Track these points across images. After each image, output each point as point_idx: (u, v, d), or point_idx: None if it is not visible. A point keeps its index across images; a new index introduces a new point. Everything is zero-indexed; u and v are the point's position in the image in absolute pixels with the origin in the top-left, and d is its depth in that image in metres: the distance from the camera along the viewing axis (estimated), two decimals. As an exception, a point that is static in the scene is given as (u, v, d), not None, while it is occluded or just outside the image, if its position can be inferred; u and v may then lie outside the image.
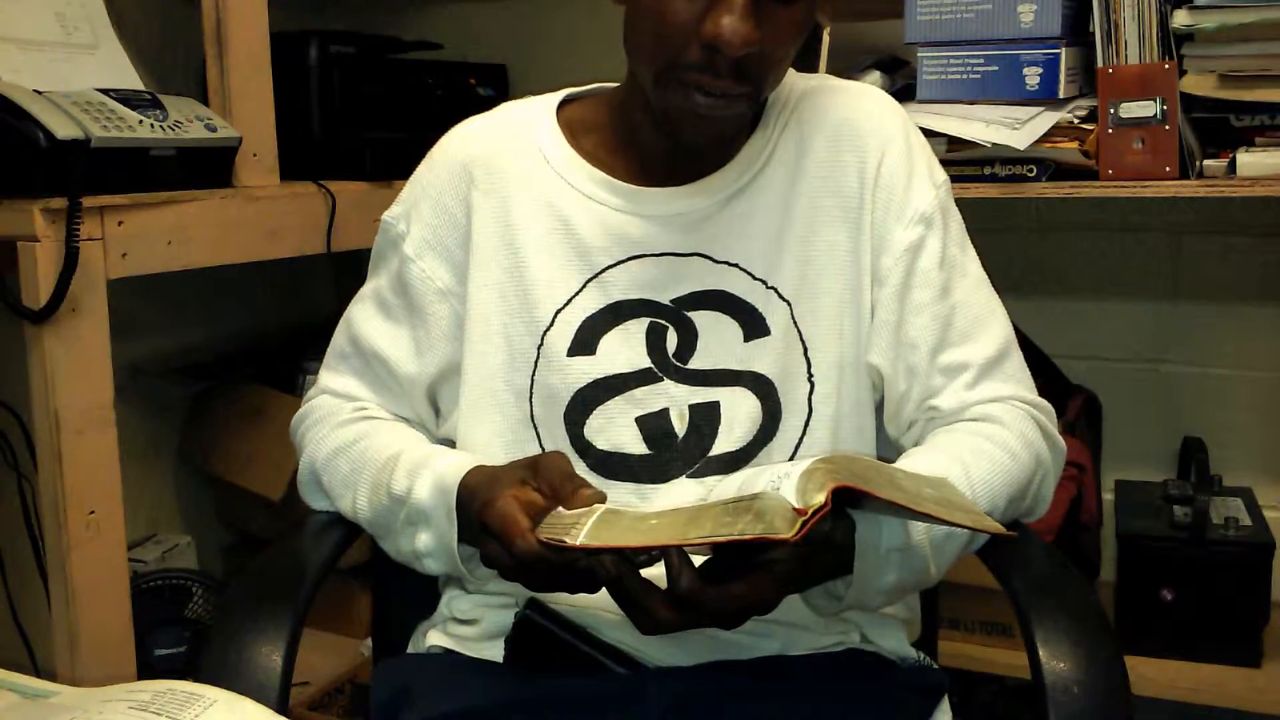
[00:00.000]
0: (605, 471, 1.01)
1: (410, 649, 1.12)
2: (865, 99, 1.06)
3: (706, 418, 1.01)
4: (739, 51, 0.90)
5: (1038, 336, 1.80)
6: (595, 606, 0.97)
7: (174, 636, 1.81)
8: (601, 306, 1.02)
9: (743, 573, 0.84)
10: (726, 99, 0.94)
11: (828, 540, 0.85)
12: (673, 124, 0.98)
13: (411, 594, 1.13)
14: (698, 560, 0.86)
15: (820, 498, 0.78)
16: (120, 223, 1.38)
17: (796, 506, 0.79)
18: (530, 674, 0.98)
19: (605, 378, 1.01)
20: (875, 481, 0.81)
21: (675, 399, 1.01)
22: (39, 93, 1.35)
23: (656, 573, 0.85)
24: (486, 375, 1.04)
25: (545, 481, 0.90)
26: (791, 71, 1.03)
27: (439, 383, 1.09)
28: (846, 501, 0.83)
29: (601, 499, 0.87)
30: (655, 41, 0.93)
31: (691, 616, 0.83)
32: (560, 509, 0.88)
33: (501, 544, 0.88)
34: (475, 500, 0.93)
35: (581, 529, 0.82)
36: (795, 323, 1.02)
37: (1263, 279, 1.87)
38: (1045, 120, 1.56)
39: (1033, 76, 1.57)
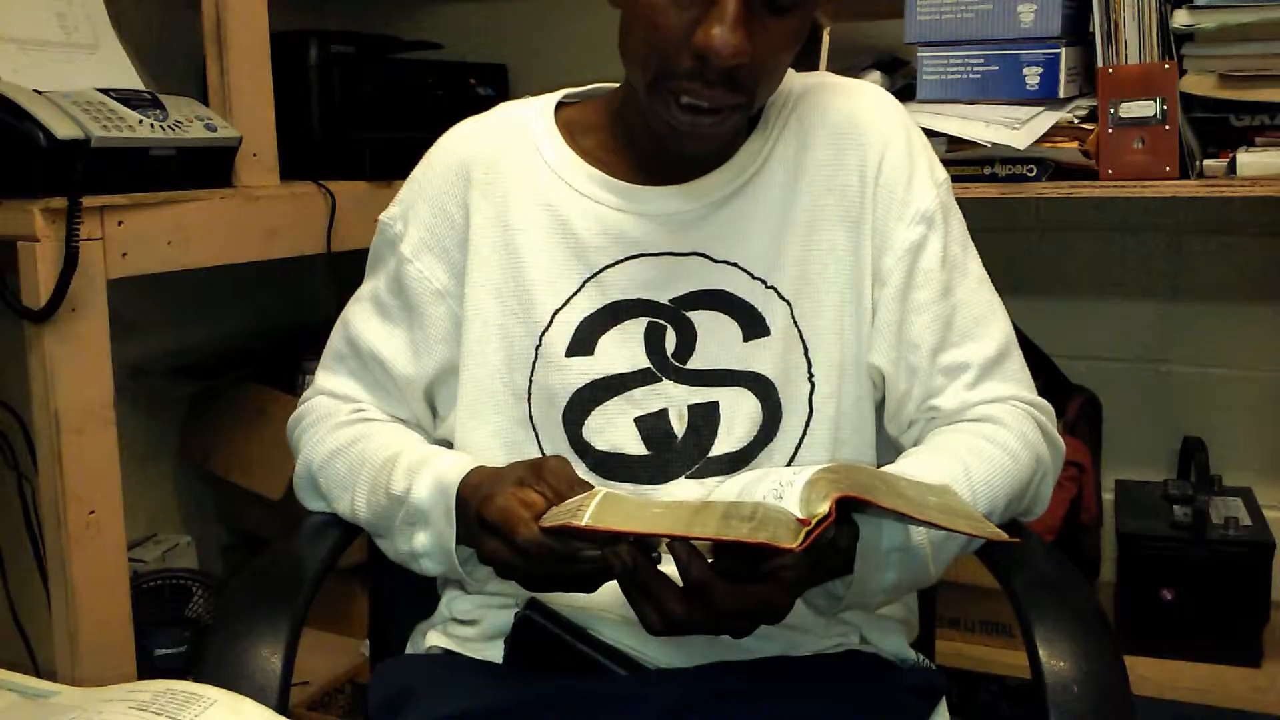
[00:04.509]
0: (604, 472, 1.01)
1: (409, 649, 1.12)
2: (865, 97, 1.06)
3: (706, 418, 1.00)
4: (729, 62, 0.89)
5: (1038, 336, 1.80)
6: (595, 607, 0.97)
7: (174, 636, 1.81)
8: (600, 306, 1.02)
9: (749, 579, 0.84)
10: (715, 115, 0.94)
11: (832, 546, 0.84)
12: (663, 137, 0.98)
13: (409, 594, 1.13)
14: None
15: (824, 507, 0.78)
16: (120, 223, 1.38)
17: (800, 517, 0.79)
18: (530, 675, 0.98)
19: (604, 378, 1.01)
20: (879, 490, 0.81)
21: (674, 399, 1.01)
22: (39, 93, 1.35)
23: (666, 570, 0.84)
24: (484, 376, 1.04)
25: (548, 485, 0.90)
26: (790, 70, 1.02)
27: (436, 384, 1.09)
28: (849, 508, 0.83)
29: None
30: (647, 49, 0.93)
31: (701, 613, 0.83)
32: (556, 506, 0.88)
33: (503, 537, 0.88)
34: (476, 497, 0.93)
35: (586, 511, 0.82)
36: (795, 322, 1.01)
37: (1263, 279, 1.87)
38: (1045, 120, 1.56)
39: (1033, 76, 1.57)
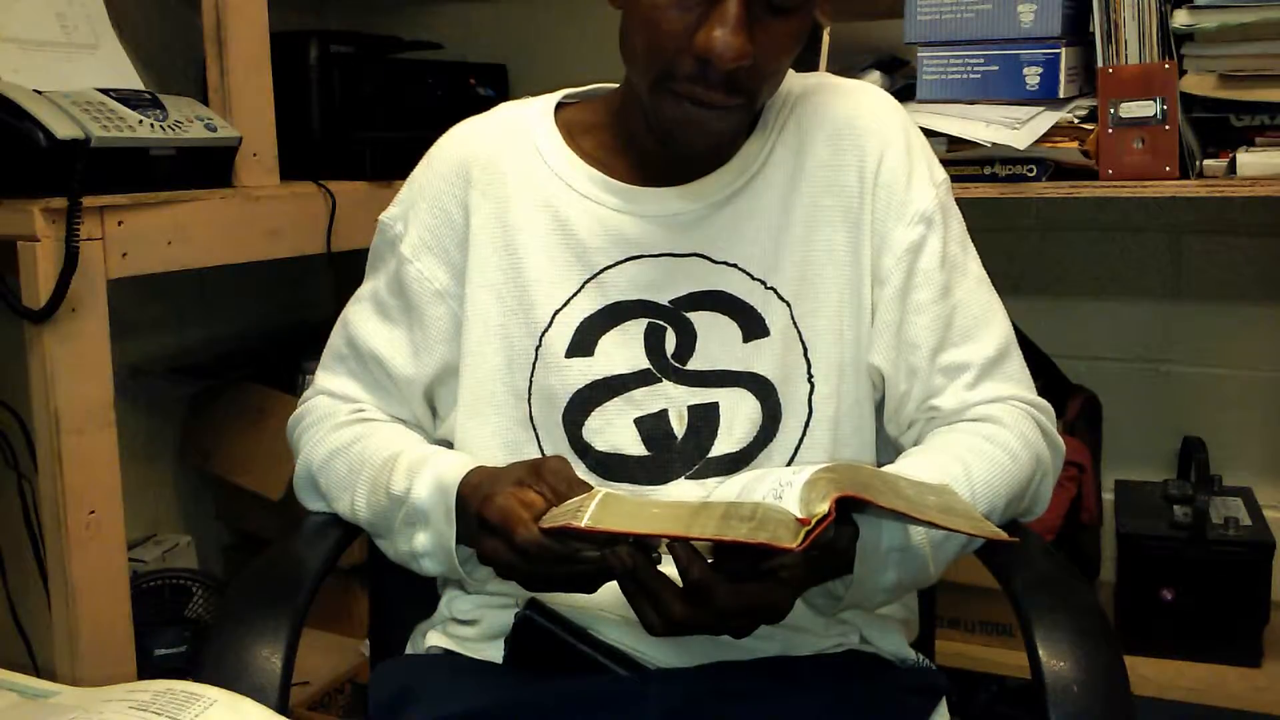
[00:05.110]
0: (604, 473, 1.01)
1: (409, 649, 1.12)
2: (864, 98, 1.06)
3: (705, 419, 1.00)
4: (730, 65, 0.89)
5: (1038, 336, 1.80)
6: (595, 606, 0.97)
7: (174, 636, 1.81)
8: (600, 307, 1.02)
9: (749, 579, 0.84)
10: (719, 110, 0.94)
11: (832, 546, 0.84)
12: (667, 133, 0.98)
13: (409, 594, 1.13)
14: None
15: (824, 507, 0.78)
16: (120, 223, 1.38)
17: (800, 516, 0.79)
18: (530, 675, 0.98)
19: (604, 379, 1.01)
20: (878, 490, 0.81)
21: (674, 400, 1.01)
22: (39, 93, 1.35)
23: (666, 570, 0.84)
24: (485, 376, 1.04)
25: (547, 485, 0.90)
26: (790, 71, 1.02)
27: (436, 384, 1.09)
28: (849, 508, 0.83)
29: None
30: (649, 51, 0.93)
31: (702, 614, 0.83)
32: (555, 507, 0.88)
33: (502, 537, 0.88)
34: (476, 497, 0.93)
35: (585, 512, 0.82)
36: (795, 323, 1.01)
37: (1263, 279, 1.87)
38: (1045, 120, 1.56)
39: (1033, 76, 1.57)
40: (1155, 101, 1.50)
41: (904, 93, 1.67)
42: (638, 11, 0.93)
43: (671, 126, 0.97)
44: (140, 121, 1.41)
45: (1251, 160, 1.49)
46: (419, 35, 2.12)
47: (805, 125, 1.04)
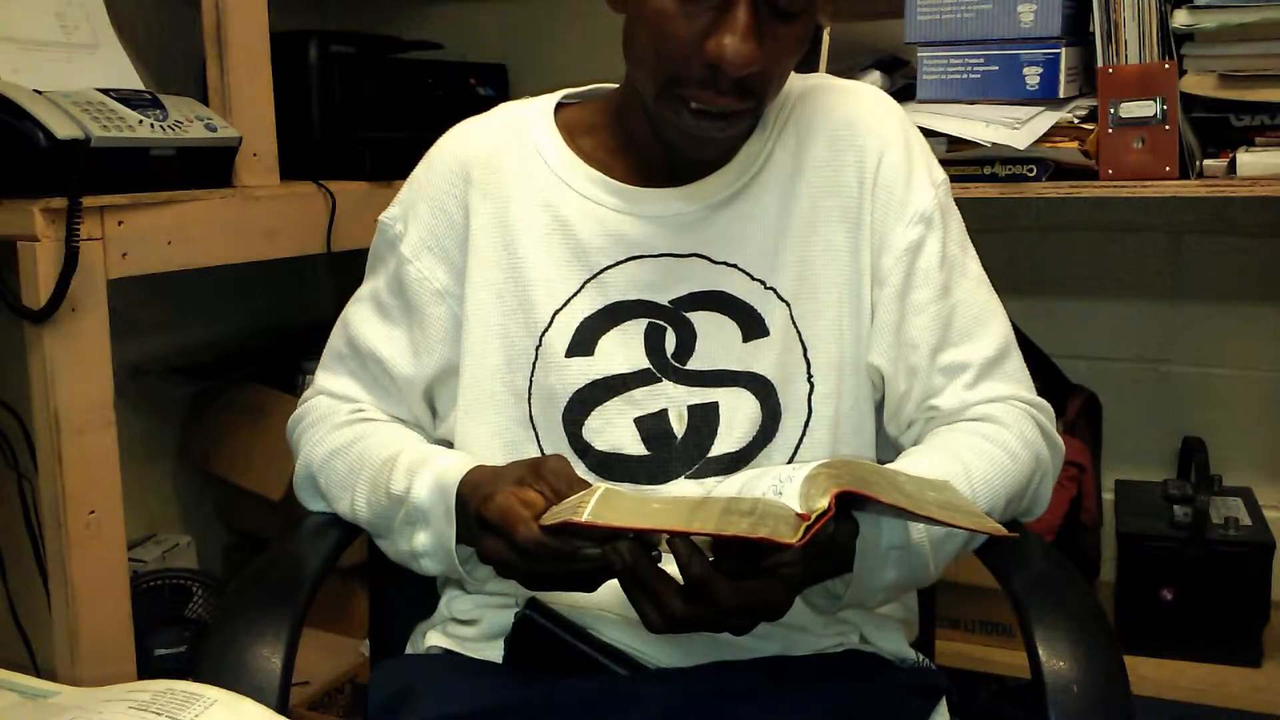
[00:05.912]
0: (604, 472, 1.01)
1: (409, 649, 1.12)
2: (863, 99, 1.06)
3: (705, 418, 1.01)
4: (741, 71, 0.90)
5: (1038, 336, 1.80)
6: (595, 606, 0.97)
7: (174, 636, 1.81)
8: (600, 307, 1.02)
9: (749, 576, 0.84)
10: (726, 120, 0.94)
11: (832, 542, 0.84)
12: (671, 141, 0.98)
13: (409, 594, 1.13)
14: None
15: (824, 503, 0.78)
16: (120, 223, 1.38)
17: (800, 512, 0.79)
18: (530, 675, 0.98)
19: (604, 378, 1.01)
20: (878, 485, 0.81)
21: (674, 400, 1.01)
22: (39, 93, 1.35)
23: (666, 569, 0.84)
24: (485, 376, 1.04)
25: (547, 484, 0.90)
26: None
27: (436, 384, 1.09)
28: (849, 504, 0.83)
29: None
30: (656, 57, 0.93)
31: (702, 611, 0.83)
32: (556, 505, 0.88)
33: (502, 535, 0.88)
34: (475, 496, 0.93)
35: (586, 507, 0.82)
36: (794, 323, 1.02)
37: (1263, 279, 1.87)
38: (1045, 120, 1.56)
39: (1033, 76, 1.57)
40: (1155, 101, 1.50)
41: (904, 93, 1.67)
42: (644, 17, 0.93)
43: (677, 136, 0.97)
44: (140, 121, 1.41)
45: (1251, 160, 1.49)
46: (419, 35, 2.12)
47: (805, 126, 1.04)
